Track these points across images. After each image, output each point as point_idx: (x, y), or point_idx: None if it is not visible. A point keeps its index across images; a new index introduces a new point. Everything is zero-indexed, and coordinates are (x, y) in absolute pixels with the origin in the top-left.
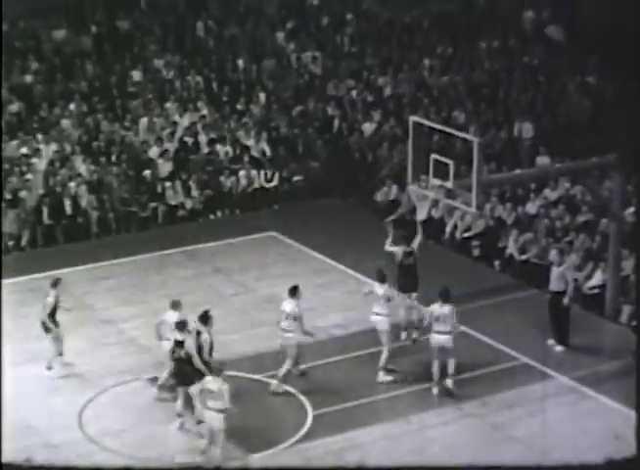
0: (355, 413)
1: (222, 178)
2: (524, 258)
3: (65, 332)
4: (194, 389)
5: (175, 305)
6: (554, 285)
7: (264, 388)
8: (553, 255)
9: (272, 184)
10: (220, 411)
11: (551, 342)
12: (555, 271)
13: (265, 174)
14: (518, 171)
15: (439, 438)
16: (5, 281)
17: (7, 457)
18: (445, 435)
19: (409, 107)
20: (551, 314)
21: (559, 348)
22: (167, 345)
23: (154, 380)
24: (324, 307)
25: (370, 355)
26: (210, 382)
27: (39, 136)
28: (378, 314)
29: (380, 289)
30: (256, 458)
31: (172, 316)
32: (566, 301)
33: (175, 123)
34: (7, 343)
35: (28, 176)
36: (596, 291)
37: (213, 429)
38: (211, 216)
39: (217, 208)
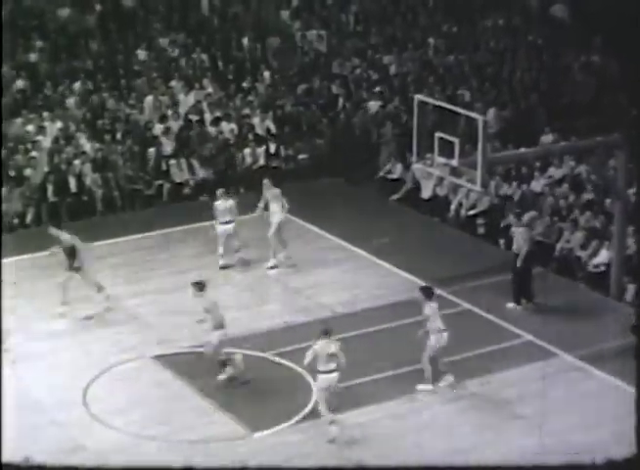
0: (359, 391)
1: (227, 156)
2: None
3: (69, 310)
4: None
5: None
6: (516, 247)
7: (269, 365)
8: (511, 218)
9: (279, 159)
10: (335, 371)
11: (511, 304)
12: (516, 233)
13: (267, 150)
14: (522, 150)
15: (443, 416)
16: (10, 259)
17: (11, 437)
18: (448, 412)
19: (414, 85)
20: (513, 275)
21: (511, 305)
22: None
23: (158, 357)
24: (328, 285)
25: (375, 333)
26: (325, 345)
27: (44, 114)
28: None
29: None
30: (260, 436)
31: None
32: (518, 263)
33: (180, 102)
34: (13, 320)
35: (33, 154)
36: (602, 269)
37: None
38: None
39: (222, 185)
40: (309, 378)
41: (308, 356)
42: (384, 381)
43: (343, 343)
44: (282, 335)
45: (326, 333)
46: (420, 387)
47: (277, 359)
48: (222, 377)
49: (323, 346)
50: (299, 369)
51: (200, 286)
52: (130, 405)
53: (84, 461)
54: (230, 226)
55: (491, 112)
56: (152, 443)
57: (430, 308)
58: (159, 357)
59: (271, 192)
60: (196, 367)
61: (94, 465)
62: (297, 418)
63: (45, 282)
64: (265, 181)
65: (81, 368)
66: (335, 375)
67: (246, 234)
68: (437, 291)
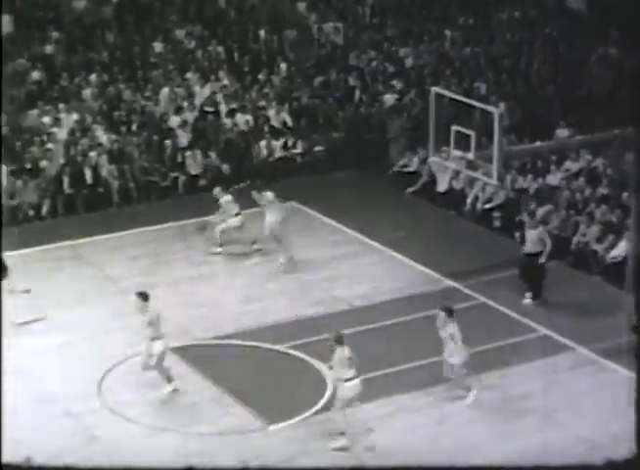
0: (374, 384)
1: (243, 148)
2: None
3: (84, 302)
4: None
5: None
6: (530, 247)
7: (285, 358)
8: (526, 217)
9: (296, 151)
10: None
11: (527, 299)
12: (531, 234)
13: (286, 143)
14: (538, 143)
15: (459, 409)
16: (26, 250)
17: (26, 425)
18: (463, 406)
19: (430, 78)
20: (525, 273)
21: (529, 301)
22: None
23: (174, 349)
24: (344, 278)
25: (390, 326)
26: (341, 352)
27: (60, 106)
28: None
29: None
30: (275, 429)
31: None
32: (542, 259)
33: (195, 94)
34: (30, 312)
35: (49, 146)
36: (618, 259)
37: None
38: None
39: (237, 178)
40: (324, 371)
41: (336, 367)
42: (398, 374)
43: (359, 336)
44: (297, 328)
45: (339, 341)
46: (468, 400)
47: (292, 352)
48: (167, 390)
49: (340, 353)
50: (315, 362)
51: (143, 296)
52: (145, 397)
53: (98, 453)
54: (238, 218)
55: (502, 105)
56: (166, 434)
57: (453, 327)
58: (174, 349)
59: (265, 199)
60: (211, 359)
61: (95, 464)
62: (311, 411)
63: (60, 274)
64: (254, 194)
65: (97, 359)
66: (358, 381)
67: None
68: (453, 284)
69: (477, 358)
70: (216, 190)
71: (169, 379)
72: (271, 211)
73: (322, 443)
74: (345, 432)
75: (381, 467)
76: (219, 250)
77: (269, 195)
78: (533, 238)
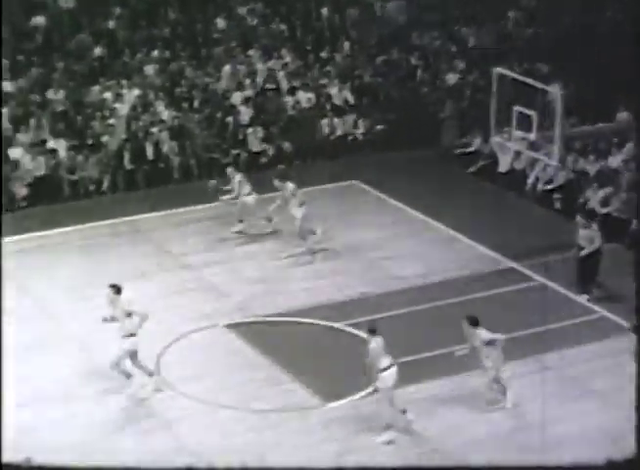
0: (433, 363)
1: (304, 126)
2: (605, 211)
3: (144, 277)
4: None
5: None
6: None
7: (344, 336)
8: (578, 217)
9: (358, 130)
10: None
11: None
12: (584, 233)
13: (349, 121)
14: (600, 125)
15: (517, 389)
16: (86, 225)
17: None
18: (523, 386)
19: (493, 58)
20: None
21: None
22: None
23: (232, 326)
24: (404, 257)
25: (448, 306)
26: (375, 342)
27: (122, 81)
28: None
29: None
30: (333, 407)
31: None
32: (584, 253)
33: (257, 71)
34: (87, 287)
35: (111, 121)
36: None
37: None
38: (293, 164)
39: (299, 155)
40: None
41: (373, 358)
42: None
43: (417, 315)
44: (356, 306)
45: (373, 331)
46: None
47: (350, 330)
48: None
49: (374, 344)
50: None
51: (116, 289)
52: (203, 373)
53: (155, 428)
54: (251, 197)
55: (558, 87)
56: (224, 411)
57: (479, 338)
58: (232, 326)
59: (287, 189)
60: (269, 336)
61: (97, 464)
62: (369, 389)
63: (120, 249)
64: (276, 181)
65: (155, 335)
66: (396, 369)
67: (330, 205)
68: (512, 264)
69: (535, 339)
70: (229, 170)
71: (128, 376)
72: (294, 205)
73: (379, 421)
74: (393, 424)
75: (382, 467)
76: (239, 228)
77: (291, 186)
78: (585, 237)
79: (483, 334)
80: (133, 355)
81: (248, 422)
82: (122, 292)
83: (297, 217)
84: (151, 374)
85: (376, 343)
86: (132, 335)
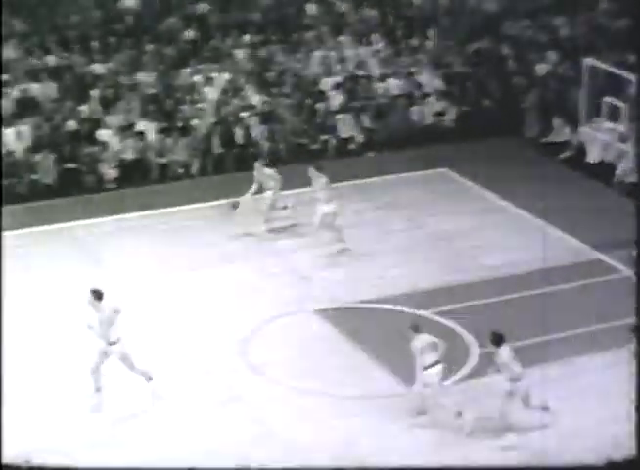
0: (517, 354)
1: (395, 112)
2: None
3: (231, 261)
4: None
5: None
6: None
7: (430, 324)
8: None
9: (447, 117)
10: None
11: None
12: None
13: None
14: None
15: (598, 382)
16: (174, 208)
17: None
18: (603, 379)
19: (584, 49)
20: None
21: None
22: None
23: (320, 312)
24: (491, 247)
25: (533, 297)
26: (419, 338)
27: (213, 65)
28: None
29: None
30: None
31: None
32: None
33: (348, 57)
34: (174, 269)
35: (200, 105)
36: None
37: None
38: (382, 151)
39: (388, 142)
40: (469, 338)
41: (416, 356)
42: (543, 344)
43: (503, 305)
44: (443, 294)
45: (415, 328)
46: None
47: (437, 318)
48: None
49: (417, 341)
50: (459, 329)
51: (97, 294)
52: (290, 358)
53: (238, 412)
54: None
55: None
56: (310, 397)
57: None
58: (320, 312)
59: (319, 181)
60: (356, 322)
61: (99, 464)
62: (456, 377)
63: (207, 233)
64: (311, 170)
65: (242, 319)
66: (441, 367)
67: (418, 193)
68: (599, 255)
69: (621, 331)
70: (257, 164)
71: (97, 389)
72: (324, 198)
73: (465, 406)
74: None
75: (381, 467)
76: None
77: (323, 179)
78: None
79: (504, 355)
80: (126, 361)
81: (333, 407)
82: (103, 297)
83: (316, 213)
84: (149, 379)
85: (419, 341)
86: (114, 343)
